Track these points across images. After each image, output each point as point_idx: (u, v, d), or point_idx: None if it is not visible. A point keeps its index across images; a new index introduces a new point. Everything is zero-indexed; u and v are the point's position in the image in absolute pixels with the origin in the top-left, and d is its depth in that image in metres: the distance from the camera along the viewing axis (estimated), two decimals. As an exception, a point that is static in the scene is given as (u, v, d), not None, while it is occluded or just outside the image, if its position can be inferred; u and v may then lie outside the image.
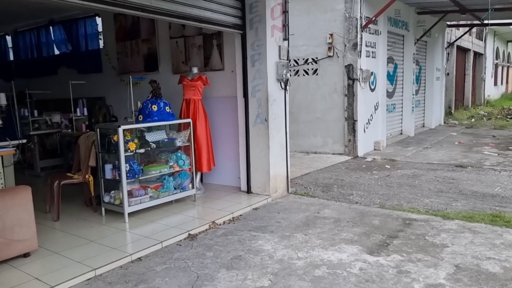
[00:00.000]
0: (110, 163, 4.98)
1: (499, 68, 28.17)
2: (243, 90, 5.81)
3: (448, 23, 14.74)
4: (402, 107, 12.05)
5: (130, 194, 4.90)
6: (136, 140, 4.95)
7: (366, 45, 9.10)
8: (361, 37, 8.78)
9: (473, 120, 16.34)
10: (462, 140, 10.97)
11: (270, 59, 5.63)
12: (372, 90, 9.58)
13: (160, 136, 5.28)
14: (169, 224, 4.71)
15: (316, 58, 9.34)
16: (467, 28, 16.15)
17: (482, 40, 22.02)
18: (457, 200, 5.62)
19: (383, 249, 3.94)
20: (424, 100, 14.15)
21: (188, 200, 5.64)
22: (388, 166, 7.98)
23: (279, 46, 5.77)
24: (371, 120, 9.61)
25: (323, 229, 4.56)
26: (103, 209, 5.05)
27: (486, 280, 3.28)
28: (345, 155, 9.10)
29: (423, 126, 14.16)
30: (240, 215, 5.11)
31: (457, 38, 16.82)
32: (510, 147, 9.74)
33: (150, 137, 5.16)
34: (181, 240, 4.30)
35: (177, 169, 5.40)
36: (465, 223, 4.61)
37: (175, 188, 5.41)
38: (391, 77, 11.21)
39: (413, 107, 12.15)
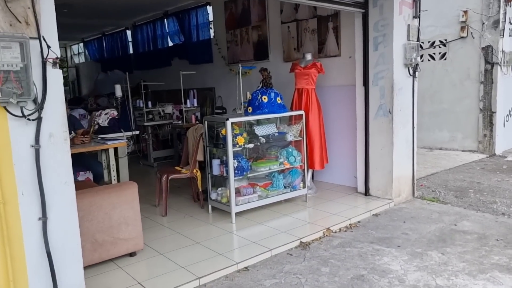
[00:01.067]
0: (218, 158, 4.67)
1: None
2: (363, 78, 5.08)
3: None
4: (551, 96, 10.08)
5: (238, 192, 4.54)
6: (245, 134, 4.56)
7: (510, 22, 7.64)
8: (505, 13, 7.37)
9: None
10: None
11: (397, 41, 4.81)
12: (516, 76, 8.07)
13: (270, 129, 4.83)
14: (278, 228, 4.25)
15: (445, 40, 8.13)
16: None
17: None
18: None
19: (557, 285, 3.00)
20: None
21: (299, 200, 5.13)
22: (539, 168, 6.59)
23: (408, 25, 4.91)
24: (512, 111, 8.13)
25: (465, 247, 3.70)
26: (209, 206, 4.79)
27: None
28: (479, 153, 7.81)
29: None
30: (358, 222, 4.46)
31: None
32: None
33: (260, 130, 4.74)
34: (292, 249, 3.81)
35: (288, 166, 4.91)
36: None
37: (285, 187, 4.94)
38: (539, 60, 9.38)
39: None
